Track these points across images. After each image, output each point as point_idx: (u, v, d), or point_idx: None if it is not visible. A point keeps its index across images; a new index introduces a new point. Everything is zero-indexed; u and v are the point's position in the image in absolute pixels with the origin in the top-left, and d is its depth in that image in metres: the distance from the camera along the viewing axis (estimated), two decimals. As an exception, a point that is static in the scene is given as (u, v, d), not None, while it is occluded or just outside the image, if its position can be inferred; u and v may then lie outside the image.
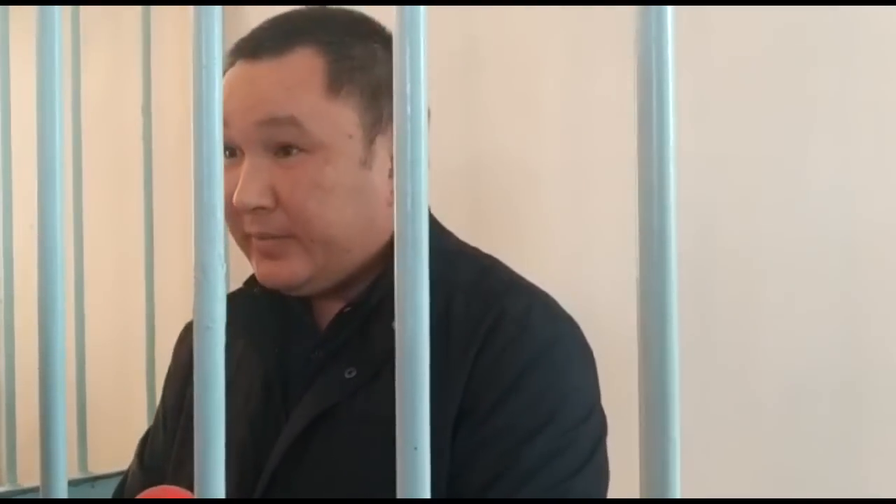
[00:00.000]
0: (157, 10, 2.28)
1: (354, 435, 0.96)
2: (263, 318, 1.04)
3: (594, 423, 0.97)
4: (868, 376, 1.34)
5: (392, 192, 1.01)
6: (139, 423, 2.06)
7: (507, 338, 0.95)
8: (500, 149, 1.73)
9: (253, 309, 1.04)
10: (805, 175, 1.39)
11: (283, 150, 0.96)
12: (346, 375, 0.98)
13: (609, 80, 1.60)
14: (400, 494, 0.44)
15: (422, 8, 0.46)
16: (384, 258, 1.00)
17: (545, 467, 0.91)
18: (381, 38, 1.02)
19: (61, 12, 0.55)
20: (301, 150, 0.96)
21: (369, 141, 0.98)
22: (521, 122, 1.69)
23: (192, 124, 0.49)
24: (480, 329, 0.95)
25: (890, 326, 1.32)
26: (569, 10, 1.62)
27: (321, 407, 0.97)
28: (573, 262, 1.62)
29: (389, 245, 0.99)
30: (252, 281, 1.05)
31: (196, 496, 0.49)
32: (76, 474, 2.10)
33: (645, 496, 0.41)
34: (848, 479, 1.34)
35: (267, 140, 0.96)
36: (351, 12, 1.04)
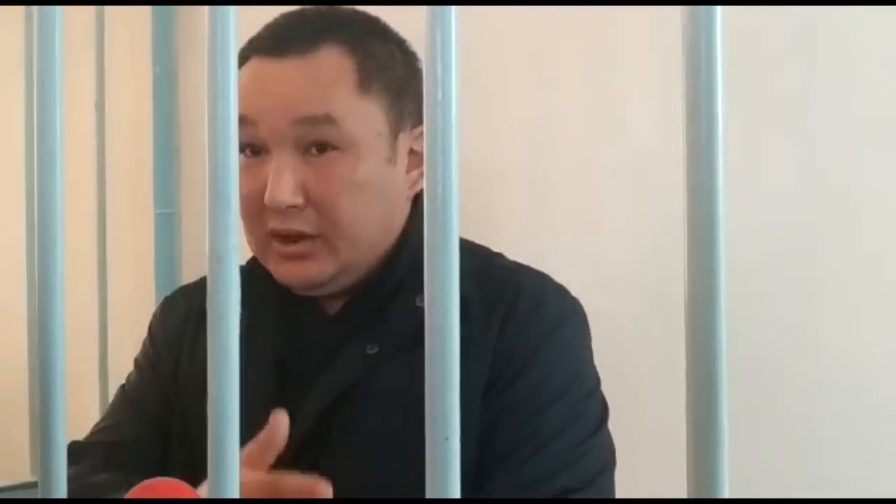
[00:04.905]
0: (109, 8, 2.25)
1: (378, 411, 0.98)
2: (268, 297, 1.04)
3: (599, 395, 1.02)
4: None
5: (410, 187, 1.03)
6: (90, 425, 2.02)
7: (525, 313, 0.99)
8: (463, 149, 1.73)
9: (254, 285, 1.02)
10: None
11: (317, 147, 0.96)
12: (368, 351, 0.99)
13: (570, 79, 1.60)
14: (429, 484, 0.43)
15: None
16: (396, 249, 1.02)
17: (562, 434, 0.95)
18: (394, 39, 1.04)
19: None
20: (334, 147, 0.96)
21: (394, 138, 1.00)
22: (483, 122, 1.69)
23: (206, 114, 0.48)
24: (500, 306, 0.99)
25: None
26: (529, 10, 1.61)
27: (344, 383, 0.99)
28: (536, 262, 1.62)
29: (400, 237, 1.03)
30: (254, 260, 1.05)
31: (210, 494, 0.47)
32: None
33: (693, 496, 0.41)
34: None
35: (299, 138, 0.96)
36: (363, 11, 1.05)
